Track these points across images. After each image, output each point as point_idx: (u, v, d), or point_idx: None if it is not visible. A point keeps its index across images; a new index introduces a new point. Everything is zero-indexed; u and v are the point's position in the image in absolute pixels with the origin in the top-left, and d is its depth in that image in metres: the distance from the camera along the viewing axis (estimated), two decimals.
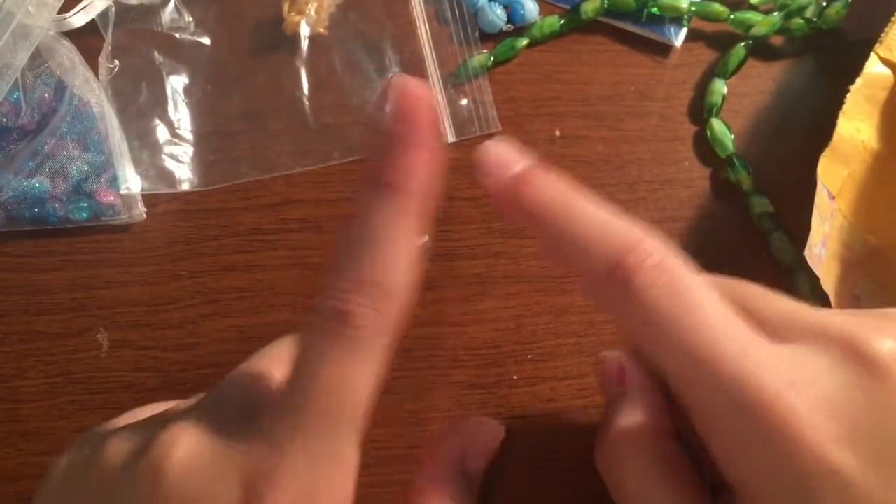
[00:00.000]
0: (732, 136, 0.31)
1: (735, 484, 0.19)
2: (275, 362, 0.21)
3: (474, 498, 0.23)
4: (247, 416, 0.18)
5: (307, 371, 0.17)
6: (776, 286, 0.30)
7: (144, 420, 0.21)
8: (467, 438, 0.24)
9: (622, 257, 0.18)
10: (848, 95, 0.27)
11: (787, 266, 0.30)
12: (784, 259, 0.30)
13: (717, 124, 0.31)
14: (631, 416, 0.21)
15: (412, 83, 0.16)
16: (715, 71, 0.32)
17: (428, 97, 0.17)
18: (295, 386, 0.17)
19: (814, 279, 0.26)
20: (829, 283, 0.27)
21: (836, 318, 0.19)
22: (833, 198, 0.28)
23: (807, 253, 0.25)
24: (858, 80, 0.28)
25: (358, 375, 0.17)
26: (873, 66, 0.28)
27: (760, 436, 0.17)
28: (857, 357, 0.18)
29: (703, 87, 0.32)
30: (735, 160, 0.31)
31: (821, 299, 0.26)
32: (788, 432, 0.17)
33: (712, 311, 0.18)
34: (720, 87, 0.32)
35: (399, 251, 0.17)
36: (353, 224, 0.17)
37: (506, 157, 0.19)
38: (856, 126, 0.28)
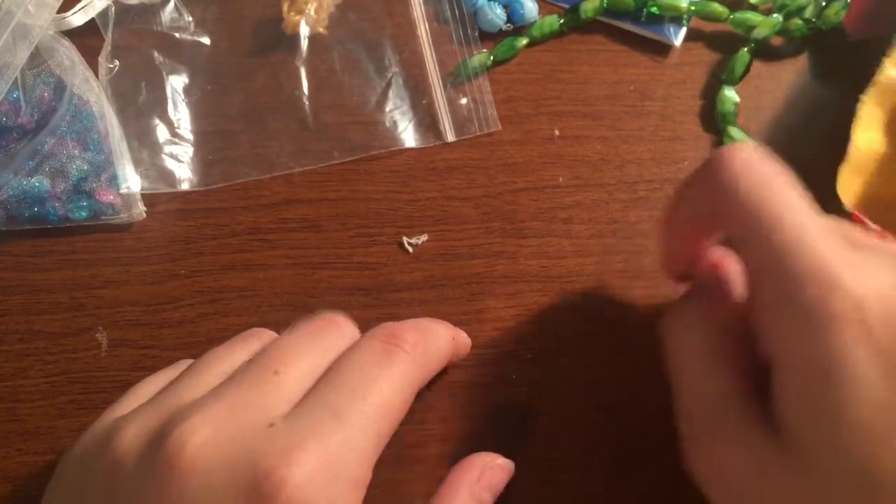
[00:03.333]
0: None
1: (773, 356, 0.19)
2: (283, 359, 0.21)
3: None
4: (264, 412, 0.19)
5: (347, 373, 0.20)
6: None
7: (155, 403, 0.21)
8: (478, 470, 0.24)
9: (713, 157, 0.21)
10: (859, 105, 0.27)
11: None
12: None
13: (736, 133, 0.31)
14: (703, 293, 0.23)
15: None
16: (722, 79, 0.32)
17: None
18: (331, 384, 0.20)
19: None
20: None
21: None
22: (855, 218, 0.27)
23: None
24: (870, 90, 0.27)
25: (389, 389, 0.20)
26: (885, 74, 0.28)
27: (808, 309, 0.18)
28: None
29: (702, 87, 0.32)
30: None
31: None
32: (836, 314, 0.17)
33: (788, 191, 0.20)
34: (731, 96, 0.31)
35: (445, 342, 0.25)
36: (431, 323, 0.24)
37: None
38: (870, 136, 0.28)
